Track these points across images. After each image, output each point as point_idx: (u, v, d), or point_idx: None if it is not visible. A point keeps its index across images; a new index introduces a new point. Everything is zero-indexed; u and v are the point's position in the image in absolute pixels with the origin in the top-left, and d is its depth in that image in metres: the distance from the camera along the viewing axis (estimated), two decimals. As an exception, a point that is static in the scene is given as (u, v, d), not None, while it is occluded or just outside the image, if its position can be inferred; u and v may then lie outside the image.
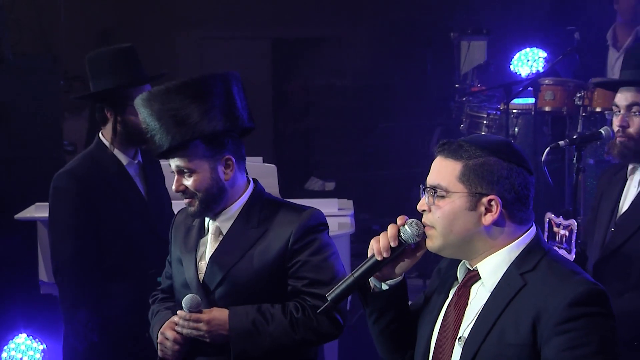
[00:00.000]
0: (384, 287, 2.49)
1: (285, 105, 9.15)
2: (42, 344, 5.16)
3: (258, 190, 3.14)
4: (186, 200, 3.03)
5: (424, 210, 2.39)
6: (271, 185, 4.71)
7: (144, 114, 3.04)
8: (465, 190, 2.34)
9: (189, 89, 2.99)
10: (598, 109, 6.32)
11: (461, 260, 2.45)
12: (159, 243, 3.57)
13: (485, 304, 2.34)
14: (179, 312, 2.97)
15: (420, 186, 2.42)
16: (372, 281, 2.50)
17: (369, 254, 2.46)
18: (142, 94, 3.06)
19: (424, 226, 2.41)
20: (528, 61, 6.80)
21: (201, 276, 3.07)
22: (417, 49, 8.94)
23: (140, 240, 3.80)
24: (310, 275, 3.00)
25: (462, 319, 2.38)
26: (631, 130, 3.51)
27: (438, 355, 2.40)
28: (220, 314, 2.99)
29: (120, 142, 3.86)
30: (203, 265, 3.09)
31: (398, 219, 2.46)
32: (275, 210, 3.10)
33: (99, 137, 3.89)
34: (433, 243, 2.39)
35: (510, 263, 2.35)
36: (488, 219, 2.32)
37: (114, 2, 8.62)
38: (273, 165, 4.84)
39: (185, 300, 2.94)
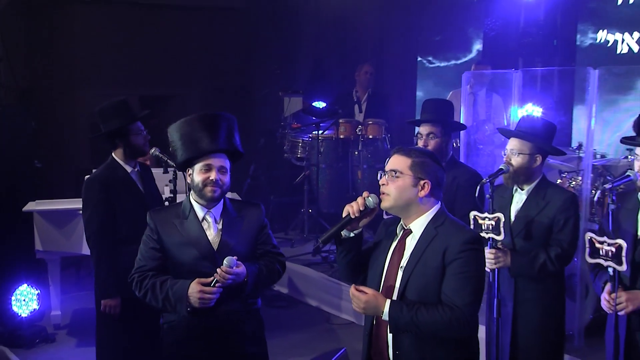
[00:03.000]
0: (351, 235, 3.00)
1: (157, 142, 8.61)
2: (37, 290, 6.35)
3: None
4: (212, 188, 3.41)
5: (383, 184, 2.86)
6: (183, 185, 4.37)
7: (175, 135, 3.44)
8: (412, 174, 2.83)
9: (214, 120, 3.43)
10: (370, 136, 8.09)
11: (399, 222, 2.94)
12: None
13: (415, 246, 2.85)
14: (220, 268, 3.31)
15: (380, 172, 2.89)
16: (343, 232, 2.99)
17: (344, 214, 2.94)
18: (175, 123, 3.47)
19: (381, 194, 2.87)
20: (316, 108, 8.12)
21: (214, 248, 3.46)
22: (254, 102, 10.23)
23: (139, 219, 4.04)
24: (271, 241, 3.62)
25: (402, 257, 2.87)
26: (430, 148, 4.24)
27: (388, 278, 2.89)
28: (243, 267, 3.40)
29: (127, 157, 4.50)
30: (214, 241, 3.46)
31: (364, 193, 2.95)
32: (239, 205, 3.60)
33: (112, 156, 4.51)
34: (387, 203, 2.86)
35: (428, 222, 2.86)
36: (422, 193, 2.83)
37: (29, 66, 9.09)
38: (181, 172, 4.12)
39: (229, 260, 3.31)
